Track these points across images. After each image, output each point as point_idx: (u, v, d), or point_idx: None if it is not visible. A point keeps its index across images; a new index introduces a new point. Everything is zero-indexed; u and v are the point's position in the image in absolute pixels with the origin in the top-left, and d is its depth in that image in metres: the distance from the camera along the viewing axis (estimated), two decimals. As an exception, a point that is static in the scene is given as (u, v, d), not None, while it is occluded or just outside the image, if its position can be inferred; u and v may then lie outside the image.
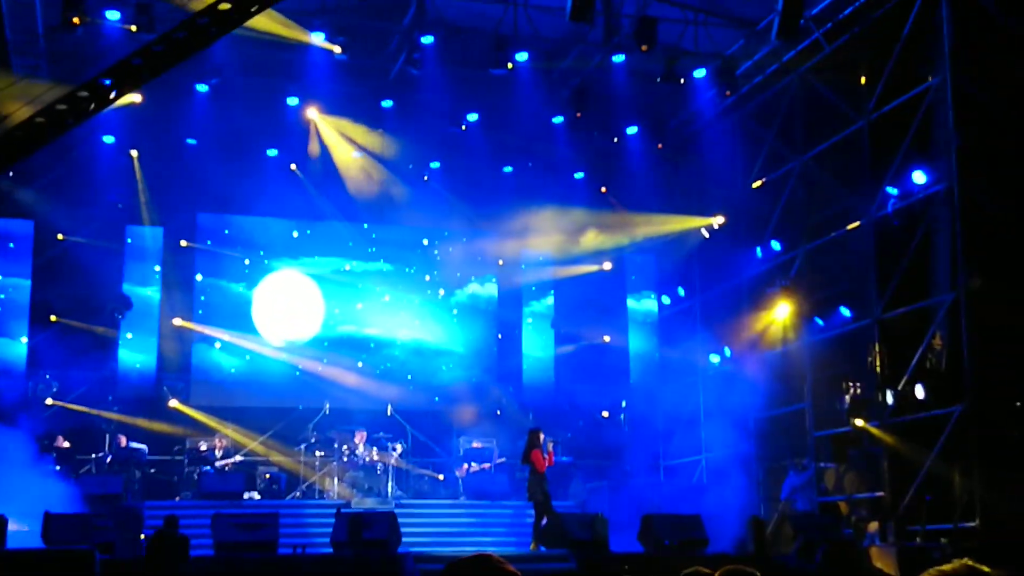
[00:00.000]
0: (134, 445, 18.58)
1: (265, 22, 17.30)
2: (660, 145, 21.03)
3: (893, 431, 15.60)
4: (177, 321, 21.20)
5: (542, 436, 15.71)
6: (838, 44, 17.18)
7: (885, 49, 15.97)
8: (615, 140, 21.49)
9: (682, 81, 18.78)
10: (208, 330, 21.51)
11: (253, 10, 8.04)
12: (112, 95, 7.20)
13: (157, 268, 21.50)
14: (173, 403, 20.37)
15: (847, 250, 17.37)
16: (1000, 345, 14.08)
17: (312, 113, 20.25)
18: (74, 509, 14.68)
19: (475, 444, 20.31)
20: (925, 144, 15.40)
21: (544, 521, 15.24)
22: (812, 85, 17.85)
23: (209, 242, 21.73)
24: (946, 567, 3.34)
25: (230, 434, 19.78)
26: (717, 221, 20.80)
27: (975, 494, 13.54)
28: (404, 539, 14.03)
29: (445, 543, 16.57)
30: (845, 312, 17.58)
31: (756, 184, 19.64)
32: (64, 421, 18.93)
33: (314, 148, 20.85)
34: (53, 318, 19.90)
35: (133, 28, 16.35)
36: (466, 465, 19.85)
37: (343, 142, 21.03)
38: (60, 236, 20.23)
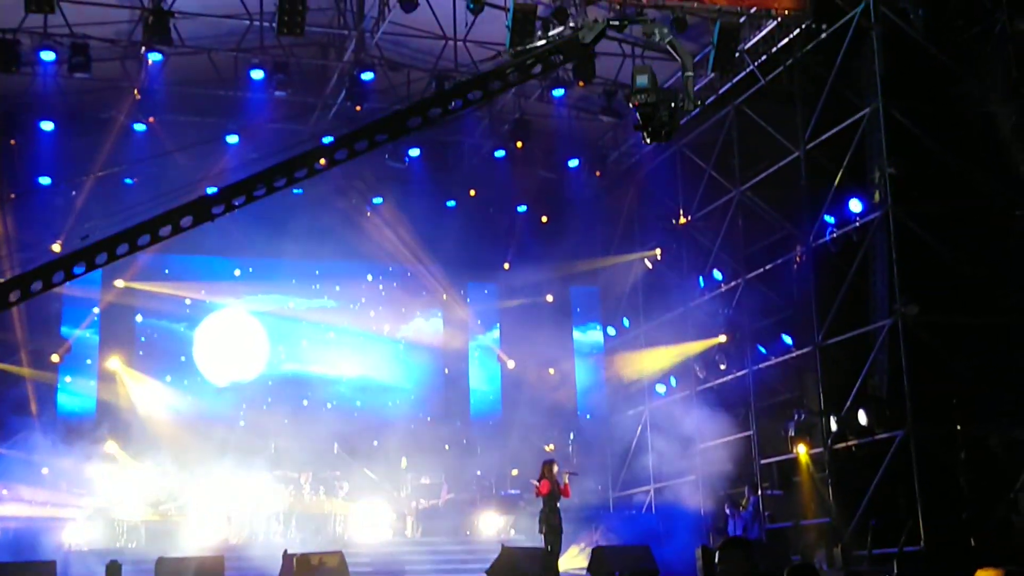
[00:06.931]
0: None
1: (203, 61, 17.27)
2: (598, 173, 21.16)
3: (837, 456, 15.74)
4: (115, 363, 20.84)
5: (555, 467, 15.50)
6: (772, 76, 17.46)
7: (818, 80, 16.25)
8: (551, 176, 21.57)
9: (621, 115, 18.97)
10: (148, 373, 21.16)
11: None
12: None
13: (96, 310, 21.17)
14: (111, 447, 19.93)
15: (787, 278, 17.58)
16: (938, 369, 14.28)
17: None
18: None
19: (424, 480, 20.15)
20: (860, 173, 15.66)
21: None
22: (748, 116, 18.09)
23: (148, 282, 21.39)
24: None
25: (172, 477, 19.39)
26: (657, 252, 20.96)
27: (919, 518, 13.66)
28: (353, 579, 13.89)
29: (395, 581, 16.41)
30: (787, 340, 17.76)
31: (681, 221, 19.82)
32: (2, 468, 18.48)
33: None
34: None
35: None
36: (414, 502, 19.67)
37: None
38: (-5, 279, 19.80)
